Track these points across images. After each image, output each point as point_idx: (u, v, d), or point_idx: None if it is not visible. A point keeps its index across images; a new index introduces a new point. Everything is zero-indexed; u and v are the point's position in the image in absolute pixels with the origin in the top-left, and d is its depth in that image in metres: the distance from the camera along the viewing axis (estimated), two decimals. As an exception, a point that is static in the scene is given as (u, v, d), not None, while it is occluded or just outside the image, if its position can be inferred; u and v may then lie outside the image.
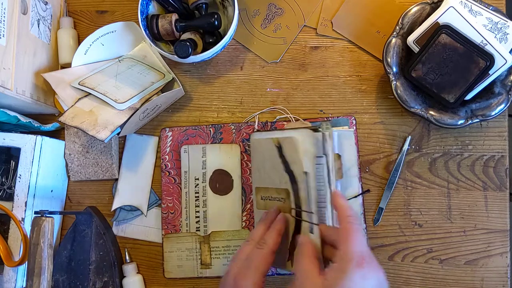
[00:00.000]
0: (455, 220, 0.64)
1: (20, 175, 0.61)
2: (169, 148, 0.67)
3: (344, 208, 0.50)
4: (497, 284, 0.63)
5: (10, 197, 0.62)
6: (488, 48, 0.59)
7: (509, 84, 0.61)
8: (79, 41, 0.70)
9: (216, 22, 0.63)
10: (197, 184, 0.66)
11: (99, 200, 0.68)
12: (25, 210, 0.61)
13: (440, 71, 0.60)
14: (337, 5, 0.68)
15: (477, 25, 0.59)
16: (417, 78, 0.61)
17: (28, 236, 0.58)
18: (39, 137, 0.62)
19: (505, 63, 0.59)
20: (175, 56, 0.61)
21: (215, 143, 0.67)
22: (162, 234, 0.66)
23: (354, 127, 0.66)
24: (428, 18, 0.60)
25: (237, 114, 0.68)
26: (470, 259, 0.63)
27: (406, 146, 0.65)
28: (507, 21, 0.59)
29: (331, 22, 0.68)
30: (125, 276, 0.65)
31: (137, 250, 0.67)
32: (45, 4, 0.67)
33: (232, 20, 0.62)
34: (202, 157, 0.66)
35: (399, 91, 0.61)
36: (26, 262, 0.57)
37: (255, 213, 0.63)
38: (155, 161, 0.68)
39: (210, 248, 0.65)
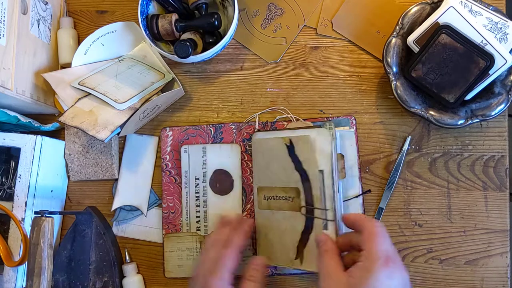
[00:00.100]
0: (455, 220, 0.64)
1: (20, 175, 0.61)
2: (169, 147, 0.67)
3: (360, 216, 0.52)
4: (497, 284, 0.63)
5: (10, 197, 0.62)
6: (488, 48, 0.59)
7: (509, 84, 0.61)
8: (79, 41, 0.70)
9: (216, 22, 0.63)
10: (198, 184, 0.66)
11: (99, 200, 0.68)
12: (25, 210, 0.61)
13: (440, 71, 0.60)
14: (337, 5, 0.68)
15: (477, 25, 0.59)
16: (417, 78, 0.61)
17: (28, 236, 0.58)
18: (39, 137, 0.62)
19: (505, 63, 0.59)
20: (175, 56, 0.61)
21: (216, 142, 0.66)
22: (163, 234, 0.66)
23: (354, 127, 0.66)
24: (428, 18, 0.60)
25: (237, 114, 0.68)
26: (470, 259, 0.63)
27: (406, 146, 0.65)
28: (507, 21, 0.59)
29: (331, 22, 0.68)
30: (125, 276, 0.65)
31: (137, 250, 0.67)
32: (45, 4, 0.67)
33: (232, 20, 0.62)
34: (203, 157, 0.66)
35: (399, 91, 0.61)
36: (26, 262, 0.57)
37: (256, 213, 0.63)
38: (155, 161, 0.68)
39: None
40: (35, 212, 0.58)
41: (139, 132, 0.69)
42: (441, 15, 0.59)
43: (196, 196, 0.66)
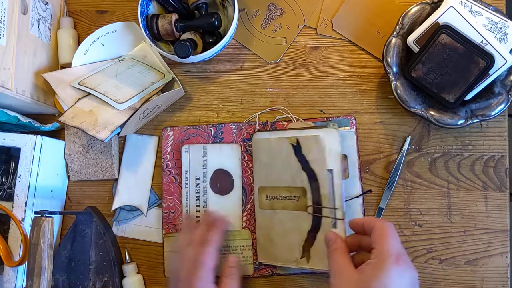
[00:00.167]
0: (455, 220, 0.64)
1: (20, 175, 0.61)
2: (170, 147, 0.67)
3: (368, 218, 0.53)
4: (497, 284, 0.63)
5: (10, 197, 0.62)
6: (488, 48, 0.59)
7: (509, 84, 0.61)
8: (79, 41, 0.70)
9: (216, 22, 0.63)
10: (198, 184, 0.66)
11: (99, 200, 0.68)
12: (25, 210, 0.61)
13: (440, 71, 0.60)
14: (337, 5, 0.68)
15: (477, 25, 0.59)
16: (417, 78, 0.61)
17: (28, 236, 0.58)
18: (39, 137, 0.62)
19: (505, 63, 0.59)
20: (175, 56, 0.61)
21: (216, 142, 0.66)
22: (163, 234, 0.66)
23: (354, 127, 0.66)
24: (428, 18, 0.60)
25: (237, 114, 0.68)
26: (470, 259, 0.63)
27: (406, 146, 0.65)
28: (507, 21, 0.59)
29: (331, 22, 0.68)
30: (125, 276, 0.65)
31: (137, 250, 0.67)
32: (45, 4, 0.67)
33: (232, 20, 0.62)
34: (203, 156, 0.66)
35: (399, 91, 0.61)
36: (26, 262, 0.57)
37: (257, 213, 0.63)
38: (155, 161, 0.68)
39: None
40: (35, 212, 0.58)
41: (139, 132, 0.69)
42: (441, 15, 0.59)
43: (196, 196, 0.65)
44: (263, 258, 0.63)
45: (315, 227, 0.59)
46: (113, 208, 0.66)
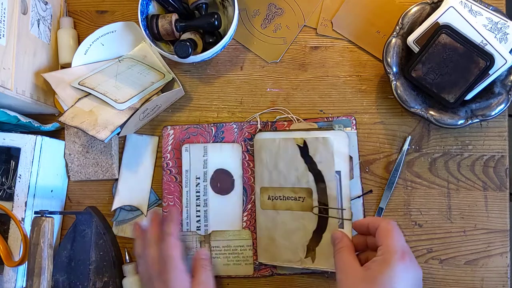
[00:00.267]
0: (455, 220, 0.64)
1: (20, 175, 0.61)
2: (170, 146, 0.67)
3: (372, 218, 0.56)
4: (497, 284, 0.63)
5: (10, 197, 0.62)
6: (488, 48, 0.59)
7: (509, 84, 0.61)
8: (79, 41, 0.70)
9: (216, 22, 0.63)
10: (198, 183, 0.66)
11: (99, 200, 0.68)
12: (25, 210, 0.61)
13: (440, 71, 0.60)
14: (337, 5, 0.68)
15: (477, 25, 0.59)
16: (417, 78, 0.61)
17: (28, 236, 0.58)
18: (39, 137, 0.62)
19: (505, 63, 0.59)
20: (175, 56, 0.61)
21: (217, 142, 0.66)
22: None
23: (354, 127, 0.66)
24: (428, 18, 0.60)
25: (237, 114, 0.68)
26: (470, 259, 0.63)
27: (406, 146, 0.65)
28: (507, 21, 0.59)
29: (331, 22, 0.68)
30: (125, 276, 0.65)
31: (137, 250, 0.67)
32: (45, 4, 0.67)
33: (232, 20, 0.62)
34: (204, 156, 0.66)
35: (399, 91, 0.61)
36: (26, 262, 0.57)
37: (259, 213, 0.63)
38: (155, 161, 0.68)
39: (211, 248, 0.64)
40: (35, 212, 0.58)
41: (139, 132, 0.69)
42: (441, 15, 0.59)
43: (197, 196, 0.65)
44: (264, 258, 0.63)
45: (321, 227, 0.60)
46: (113, 208, 0.66)
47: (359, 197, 0.64)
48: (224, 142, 0.66)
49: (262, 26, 0.69)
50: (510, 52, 0.59)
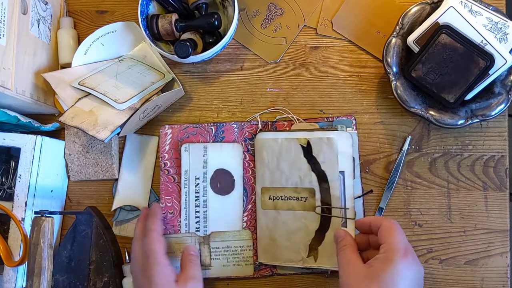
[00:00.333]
0: (455, 220, 0.64)
1: (20, 175, 0.61)
2: (168, 146, 0.66)
3: (374, 217, 0.57)
4: (497, 284, 0.63)
5: (10, 197, 0.62)
6: (488, 48, 0.59)
7: (509, 84, 0.61)
8: (79, 41, 0.70)
9: (216, 22, 0.63)
10: (198, 184, 0.65)
11: (99, 200, 0.68)
12: (25, 210, 0.61)
13: (440, 71, 0.60)
14: (337, 5, 0.68)
15: (477, 25, 0.59)
16: (417, 78, 0.61)
17: (28, 236, 0.58)
18: (39, 137, 0.62)
19: (505, 63, 0.59)
20: (175, 56, 0.61)
21: (217, 141, 0.66)
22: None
23: (354, 127, 0.66)
24: (428, 18, 0.60)
25: (237, 114, 0.68)
26: (470, 259, 0.63)
27: (406, 146, 0.65)
28: (507, 21, 0.59)
29: (331, 22, 0.68)
30: (125, 276, 0.65)
31: (137, 250, 0.67)
32: (45, 4, 0.67)
33: (232, 20, 0.62)
34: (204, 156, 0.65)
35: (399, 91, 0.61)
36: (26, 262, 0.57)
37: (259, 213, 0.63)
38: (155, 161, 0.68)
39: (210, 249, 0.64)
40: (35, 212, 0.58)
41: (139, 132, 0.69)
42: (441, 15, 0.59)
43: (196, 196, 0.65)
44: (265, 258, 0.63)
45: (324, 226, 0.61)
46: (113, 208, 0.66)
47: (359, 197, 0.64)
48: (224, 142, 0.66)
49: (262, 26, 0.69)
50: (510, 52, 0.59)
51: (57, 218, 0.67)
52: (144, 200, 0.67)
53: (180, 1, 0.65)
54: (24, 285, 0.61)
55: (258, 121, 0.66)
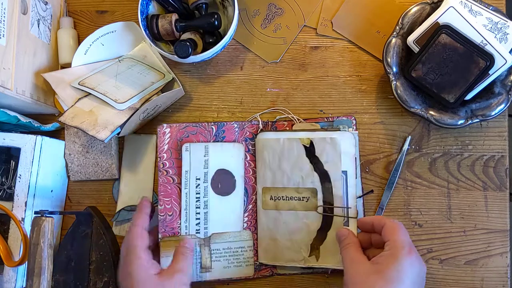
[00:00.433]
0: (455, 220, 0.64)
1: (20, 175, 0.61)
2: (167, 145, 0.63)
3: (377, 216, 0.57)
4: (497, 284, 0.63)
5: (10, 197, 0.62)
6: (488, 48, 0.59)
7: (509, 84, 0.61)
8: (79, 41, 0.70)
9: (216, 22, 0.63)
10: (198, 185, 0.63)
11: (99, 200, 0.68)
12: (25, 210, 0.61)
13: (440, 71, 0.60)
14: (337, 5, 0.68)
15: (477, 25, 0.59)
16: (417, 78, 0.61)
17: (28, 236, 0.58)
18: (39, 137, 0.62)
19: (505, 63, 0.59)
20: (175, 56, 0.61)
21: (217, 141, 0.65)
22: (159, 238, 0.62)
23: (355, 127, 0.66)
24: (428, 18, 0.60)
25: (237, 114, 0.68)
26: (470, 259, 0.63)
27: (406, 146, 0.65)
28: (507, 21, 0.59)
29: (331, 22, 0.68)
30: (125, 276, 0.65)
31: (137, 250, 0.67)
32: (45, 4, 0.67)
33: (232, 20, 0.62)
34: (204, 156, 0.63)
35: (399, 91, 0.61)
36: (26, 262, 0.57)
37: (260, 213, 0.63)
38: (155, 160, 0.68)
39: (211, 251, 0.63)
40: (35, 212, 0.58)
41: (139, 132, 0.69)
42: (441, 15, 0.59)
43: (197, 197, 0.63)
44: (265, 258, 0.63)
45: (326, 226, 0.61)
46: (117, 210, 0.66)
47: (360, 197, 0.64)
48: (225, 142, 0.65)
49: (262, 26, 0.69)
50: (510, 52, 0.59)
51: (57, 218, 0.67)
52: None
53: (180, 1, 0.65)
54: (24, 285, 0.61)
55: (259, 121, 0.66)
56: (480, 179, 0.65)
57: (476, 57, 0.59)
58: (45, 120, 0.69)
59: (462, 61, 0.59)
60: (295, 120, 0.67)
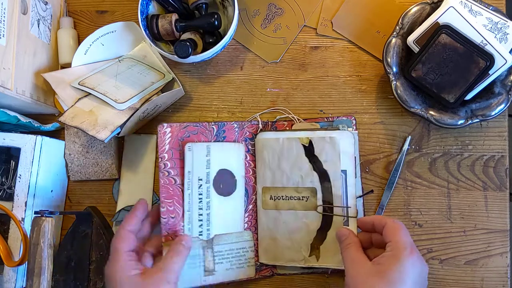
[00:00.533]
0: (455, 220, 0.64)
1: (20, 175, 0.61)
2: (168, 145, 0.60)
3: (377, 216, 0.56)
4: (497, 284, 0.63)
5: (10, 197, 0.62)
6: (488, 48, 0.59)
7: (509, 84, 0.61)
8: (79, 41, 0.70)
9: (216, 22, 0.63)
10: (201, 185, 0.61)
11: (99, 200, 0.68)
12: (25, 210, 0.61)
13: (440, 71, 0.60)
14: (337, 5, 0.68)
15: (477, 25, 0.59)
16: (417, 78, 0.61)
17: (28, 236, 0.58)
18: (39, 137, 0.62)
19: (505, 63, 0.59)
20: (175, 56, 0.61)
21: (218, 141, 0.64)
22: (162, 241, 0.58)
23: (355, 127, 0.66)
24: (428, 18, 0.60)
25: (237, 114, 0.68)
26: (470, 259, 0.63)
27: (406, 146, 0.65)
28: (507, 21, 0.59)
29: (331, 22, 0.68)
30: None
31: (137, 250, 0.67)
32: (45, 4, 0.67)
33: (232, 20, 0.62)
34: (207, 156, 0.62)
35: (399, 91, 0.61)
36: (26, 262, 0.57)
37: (260, 213, 0.63)
38: (155, 160, 0.68)
39: (214, 253, 0.61)
40: (35, 212, 0.58)
41: (139, 132, 0.69)
42: (441, 15, 0.59)
43: (199, 198, 0.61)
44: (266, 258, 0.63)
45: (326, 225, 0.61)
46: (117, 210, 0.66)
47: (360, 197, 0.64)
48: (225, 142, 0.64)
49: (262, 26, 0.69)
50: (510, 52, 0.59)
51: (57, 218, 0.67)
52: (146, 200, 0.67)
53: (180, 1, 0.65)
54: (24, 285, 0.61)
55: (258, 121, 0.66)
56: (480, 179, 0.65)
57: (476, 57, 0.59)
58: (45, 120, 0.69)
59: (462, 61, 0.59)
60: (295, 120, 0.67)
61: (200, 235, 0.61)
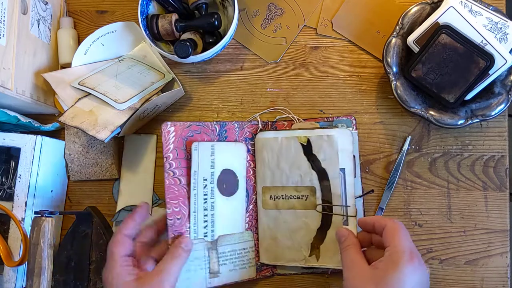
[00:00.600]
0: (455, 220, 0.64)
1: (20, 175, 0.61)
2: (172, 145, 0.58)
3: (378, 217, 0.55)
4: (497, 284, 0.63)
5: (10, 197, 0.62)
6: (488, 48, 0.59)
7: (509, 84, 0.61)
8: (79, 41, 0.70)
9: (216, 22, 0.63)
10: (206, 185, 0.60)
11: (99, 200, 0.68)
12: (25, 210, 0.61)
13: (440, 71, 0.60)
14: (337, 5, 0.68)
15: (477, 25, 0.59)
16: (417, 78, 0.61)
17: (28, 236, 0.58)
18: (39, 137, 0.62)
19: (505, 63, 0.59)
20: (175, 56, 0.61)
21: (221, 140, 0.63)
22: (168, 244, 0.57)
23: (355, 127, 0.66)
24: (428, 18, 0.60)
25: (237, 114, 0.68)
26: (470, 259, 0.63)
27: (406, 146, 0.65)
28: (507, 21, 0.59)
29: (331, 22, 0.68)
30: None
31: (137, 250, 0.67)
32: (45, 4, 0.67)
33: (232, 20, 0.62)
34: (211, 155, 0.61)
35: (399, 91, 0.61)
36: (26, 262, 0.57)
37: (261, 213, 0.63)
38: (155, 160, 0.68)
39: (218, 254, 0.60)
40: (35, 212, 0.58)
41: (139, 132, 0.69)
42: (441, 15, 0.59)
43: (204, 199, 0.60)
44: (266, 258, 0.63)
45: (325, 225, 0.60)
46: (117, 210, 0.66)
47: (360, 196, 0.64)
48: (227, 141, 0.64)
49: (262, 26, 0.69)
50: (510, 52, 0.59)
51: (57, 218, 0.67)
52: (146, 200, 0.67)
53: (180, 1, 0.65)
54: (24, 285, 0.61)
55: (258, 121, 0.66)
56: (480, 179, 0.65)
57: (476, 57, 0.59)
58: (45, 120, 0.69)
59: (462, 61, 0.59)
60: (295, 120, 0.67)
61: (205, 236, 0.60)
